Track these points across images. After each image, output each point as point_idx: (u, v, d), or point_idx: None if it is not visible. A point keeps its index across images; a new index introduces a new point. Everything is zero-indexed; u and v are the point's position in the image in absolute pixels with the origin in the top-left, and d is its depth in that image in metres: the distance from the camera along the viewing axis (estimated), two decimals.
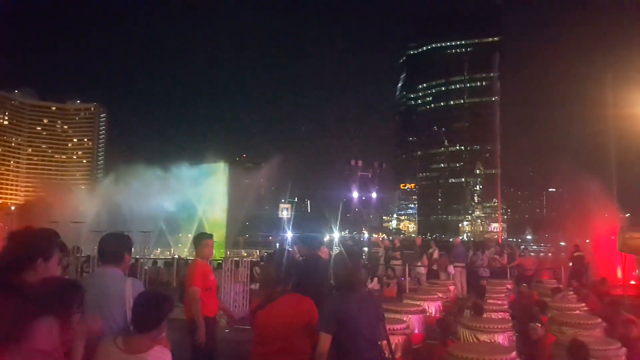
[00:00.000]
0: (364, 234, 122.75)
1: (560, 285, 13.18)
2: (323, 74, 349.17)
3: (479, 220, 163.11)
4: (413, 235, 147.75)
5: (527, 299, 11.21)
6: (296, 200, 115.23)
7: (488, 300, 9.72)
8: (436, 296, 10.38)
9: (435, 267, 16.94)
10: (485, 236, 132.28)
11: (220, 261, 15.61)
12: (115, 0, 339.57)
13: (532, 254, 22.10)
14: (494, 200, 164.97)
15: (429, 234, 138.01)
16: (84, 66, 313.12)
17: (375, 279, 16.57)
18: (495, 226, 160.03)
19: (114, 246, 3.79)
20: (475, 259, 17.34)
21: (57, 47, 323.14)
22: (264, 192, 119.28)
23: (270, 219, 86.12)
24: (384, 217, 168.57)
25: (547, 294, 11.11)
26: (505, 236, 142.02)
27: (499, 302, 9.81)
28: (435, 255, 17.33)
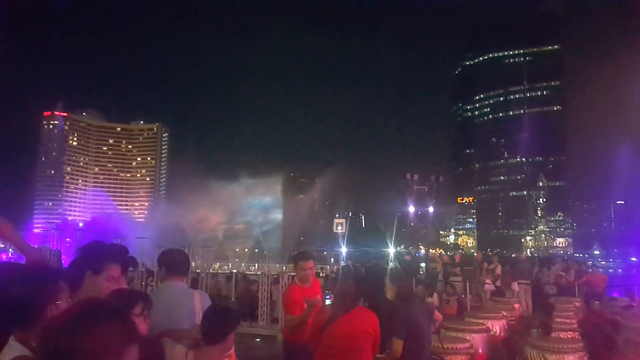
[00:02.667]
0: (420, 249, 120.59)
1: (634, 303, 12.32)
2: (377, 88, 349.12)
3: (543, 235, 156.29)
4: (472, 250, 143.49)
5: (599, 317, 10.55)
6: (350, 214, 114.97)
7: (556, 319, 9.26)
8: (500, 314, 9.97)
9: (498, 284, 16.29)
10: (550, 251, 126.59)
11: (276, 276, 15.78)
12: (174, 27, 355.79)
13: (601, 270, 20.95)
14: (558, 213, 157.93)
15: (489, 249, 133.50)
16: (147, 88, 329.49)
17: (435, 295, 16.14)
18: (560, 241, 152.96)
19: (180, 260, 3.81)
20: (541, 275, 16.55)
21: (122, 71, 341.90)
22: (319, 207, 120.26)
23: (324, 233, 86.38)
24: (441, 232, 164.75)
25: (618, 312, 10.43)
26: (572, 251, 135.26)
27: (568, 320, 9.33)
28: (498, 271, 16.67)
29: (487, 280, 16.41)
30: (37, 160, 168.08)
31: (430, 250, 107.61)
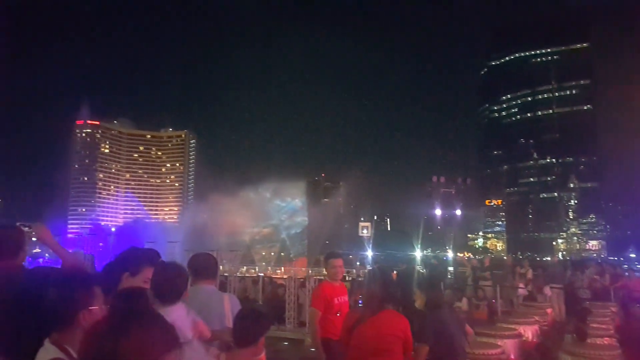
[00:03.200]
0: (448, 252, 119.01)
1: None
2: (402, 90, 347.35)
3: (575, 238, 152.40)
4: (502, 254, 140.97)
5: (639, 323, 10.18)
6: (376, 218, 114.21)
7: (591, 325, 8.98)
8: (532, 319, 9.74)
9: (529, 288, 15.93)
10: (583, 254, 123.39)
11: (302, 280, 15.80)
12: (201, 36, 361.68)
13: (638, 274, 20.30)
14: (591, 215, 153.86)
15: (519, 252, 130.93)
16: (175, 95, 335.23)
17: (464, 300, 15.87)
18: (593, 244, 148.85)
19: (208, 263, 3.86)
20: (574, 279, 16.11)
21: (152, 80, 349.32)
22: (343, 211, 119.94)
23: (350, 237, 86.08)
24: (469, 235, 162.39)
25: None
26: (605, 254, 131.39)
27: (604, 326, 9.05)
28: (529, 275, 16.32)
29: (519, 285, 16.07)
30: (70, 167, 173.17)
31: (458, 254, 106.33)
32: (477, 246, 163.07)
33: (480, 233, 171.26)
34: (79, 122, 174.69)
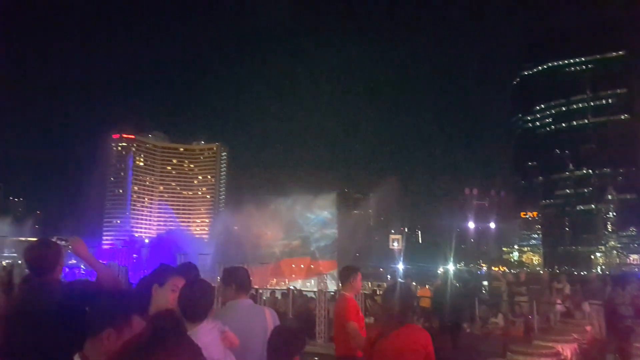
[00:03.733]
0: (481, 266, 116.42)
1: None
2: (433, 100, 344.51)
3: (615, 252, 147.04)
4: (538, 268, 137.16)
5: None
6: (406, 230, 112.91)
7: (635, 344, 8.58)
8: (571, 337, 9.38)
9: (567, 304, 15.39)
10: (623, 269, 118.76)
11: (333, 293, 15.65)
12: (231, 52, 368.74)
13: None
14: (631, 228, 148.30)
15: (556, 266, 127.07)
16: (207, 109, 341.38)
17: (500, 316, 15.45)
18: (634, 258, 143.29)
19: (247, 278, 3.89)
20: (615, 295, 15.44)
21: (184, 94, 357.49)
22: (373, 223, 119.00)
23: (380, 250, 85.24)
24: (503, 249, 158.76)
25: None
26: None
27: None
28: (567, 291, 15.77)
29: (557, 300, 15.54)
30: (107, 180, 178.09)
31: (493, 268, 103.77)
32: (512, 260, 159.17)
33: (516, 246, 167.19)
34: (115, 136, 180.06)
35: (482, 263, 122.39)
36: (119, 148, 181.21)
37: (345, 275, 5.96)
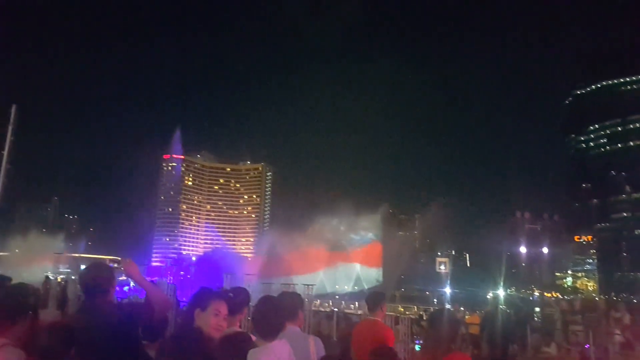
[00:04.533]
0: (533, 292, 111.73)
1: None
2: (482, 120, 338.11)
3: None
4: (593, 294, 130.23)
5: None
6: (454, 253, 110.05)
7: None
8: None
9: (627, 335, 14.52)
10: None
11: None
12: (275, 75, 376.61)
13: None
14: None
15: (613, 293, 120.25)
16: (254, 130, 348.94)
17: (554, 345, 14.74)
18: None
19: (294, 303, 3.87)
20: None
21: (232, 115, 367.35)
22: (419, 245, 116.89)
23: (426, 273, 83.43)
24: (556, 274, 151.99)
25: None
26: None
27: None
28: (627, 320, 14.90)
29: (615, 331, 14.70)
30: (157, 198, 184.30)
31: (545, 294, 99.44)
32: (565, 285, 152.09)
33: (569, 271, 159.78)
34: (165, 157, 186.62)
35: (534, 289, 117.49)
36: (169, 168, 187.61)
37: (376, 300, 5.95)
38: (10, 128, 27.47)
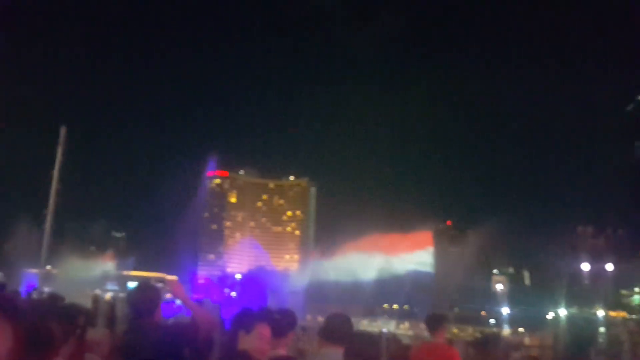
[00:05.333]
0: (597, 311, 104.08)
1: None
2: (537, 130, 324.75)
3: None
4: None
5: None
6: (511, 270, 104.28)
7: None
8: None
9: None
10: None
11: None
12: (318, 91, 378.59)
13: None
14: None
15: None
16: (297, 145, 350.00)
17: None
18: None
19: (342, 327, 3.82)
20: None
21: (275, 131, 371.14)
22: (473, 261, 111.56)
23: (482, 291, 78.88)
24: (622, 292, 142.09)
25: None
26: None
27: None
28: None
29: None
30: (201, 216, 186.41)
31: (611, 313, 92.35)
32: (633, 304, 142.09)
33: (636, 289, 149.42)
34: (209, 174, 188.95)
35: (598, 308, 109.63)
36: (214, 185, 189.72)
37: (437, 322, 5.72)
38: (60, 149, 27.68)
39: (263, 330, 3.33)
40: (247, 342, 3.22)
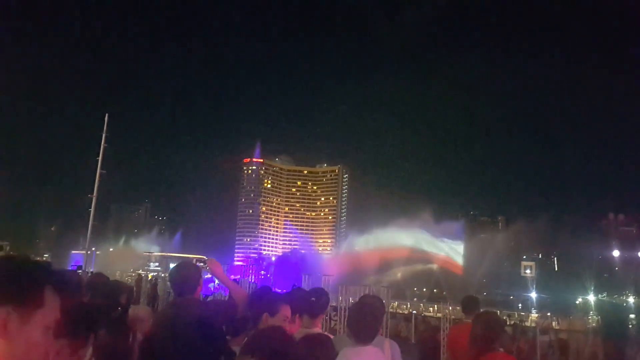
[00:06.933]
0: (628, 298, 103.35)
1: None
2: (568, 117, 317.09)
3: None
4: None
5: None
6: (540, 256, 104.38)
7: None
8: None
9: None
10: None
11: (458, 321, 15.19)
12: (351, 78, 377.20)
13: None
14: None
15: None
16: (330, 132, 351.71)
17: None
18: None
19: (372, 323, 3.51)
20: None
21: (309, 117, 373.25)
22: (502, 248, 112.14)
23: (511, 276, 79.92)
24: None
25: None
26: None
27: None
28: None
29: None
30: (238, 201, 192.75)
31: None
32: None
33: None
34: (246, 160, 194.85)
35: (629, 294, 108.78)
36: (250, 171, 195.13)
37: (474, 305, 5.83)
38: (103, 136, 29.43)
39: (287, 312, 3.29)
40: (271, 324, 3.14)
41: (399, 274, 71.86)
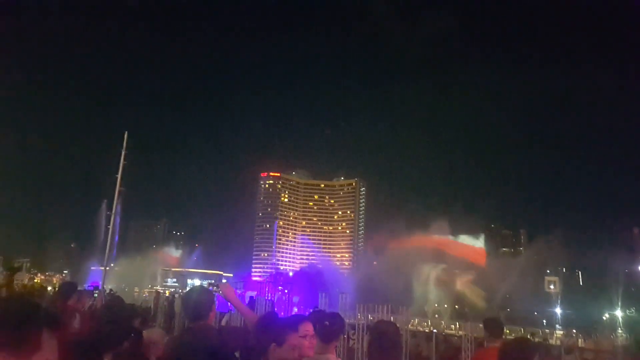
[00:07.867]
0: None
1: None
2: (591, 126, 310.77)
3: None
4: None
5: None
6: (565, 270, 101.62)
7: None
8: None
9: None
10: None
11: (480, 340, 14.39)
12: (367, 91, 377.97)
13: None
14: None
15: None
16: (347, 146, 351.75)
17: None
18: None
19: (394, 355, 3.57)
20: None
21: (325, 131, 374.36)
22: (525, 262, 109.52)
23: (534, 292, 77.96)
24: None
25: None
26: None
27: None
28: None
29: None
30: (255, 215, 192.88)
31: None
32: None
33: None
34: (263, 175, 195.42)
35: None
36: (267, 185, 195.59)
37: (498, 329, 5.75)
38: (123, 153, 29.77)
39: (295, 342, 3.16)
40: (279, 355, 3.05)
41: (419, 290, 70.42)
